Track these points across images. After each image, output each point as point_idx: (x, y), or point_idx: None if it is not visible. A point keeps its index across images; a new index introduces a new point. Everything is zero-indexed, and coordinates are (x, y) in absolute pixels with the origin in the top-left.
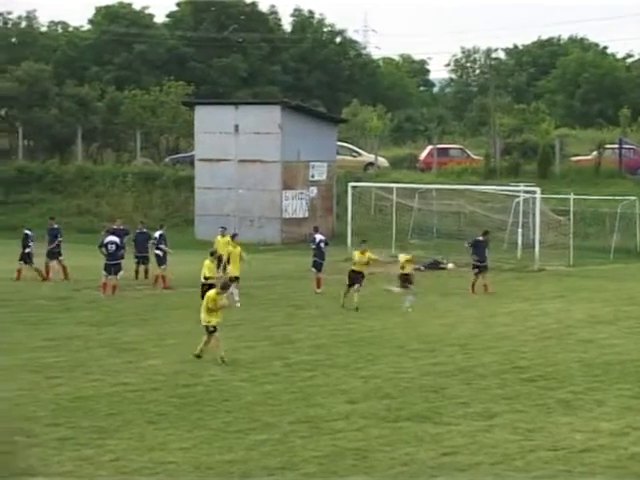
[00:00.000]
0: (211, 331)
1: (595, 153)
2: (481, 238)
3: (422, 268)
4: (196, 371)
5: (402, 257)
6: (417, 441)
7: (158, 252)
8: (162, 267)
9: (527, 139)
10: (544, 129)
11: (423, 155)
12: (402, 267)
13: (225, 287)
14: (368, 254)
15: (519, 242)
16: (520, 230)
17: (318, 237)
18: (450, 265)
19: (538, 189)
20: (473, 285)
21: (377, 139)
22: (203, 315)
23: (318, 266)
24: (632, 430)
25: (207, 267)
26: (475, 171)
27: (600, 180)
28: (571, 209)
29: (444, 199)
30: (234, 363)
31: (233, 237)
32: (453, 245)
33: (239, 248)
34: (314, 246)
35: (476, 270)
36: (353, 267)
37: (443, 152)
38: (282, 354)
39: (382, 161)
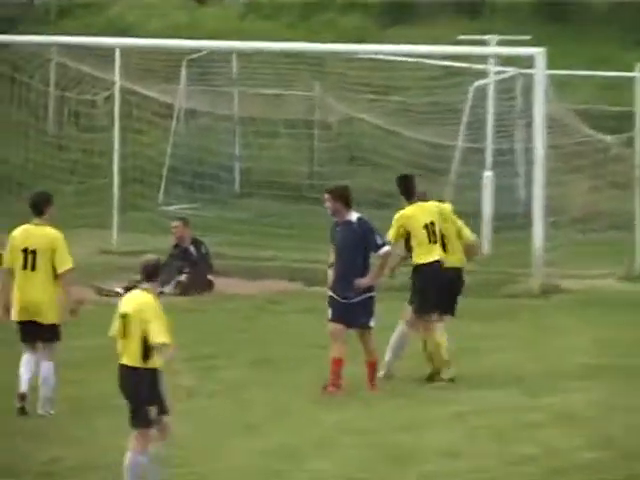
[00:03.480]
0: None
1: None
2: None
3: (120, 292)
4: None
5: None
6: None
7: None
8: None
9: None
10: None
11: None
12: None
13: None
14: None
15: (486, 212)
16: (489, 175)
17: None
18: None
19: (540, 51)
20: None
21: None
22: None
23: None
24: None
25: None
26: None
27: None
28: None
29: (261, 84)
30: None
31: None
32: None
33: None
34: None
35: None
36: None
37: None
38: None
39: None
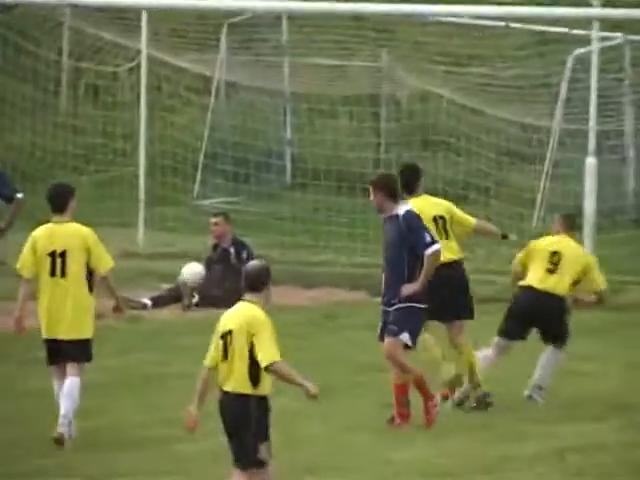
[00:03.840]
0: None
1: None
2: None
3: (148, 304)
4: None
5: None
6: None
7: None
8: None
9: None
10: None
11: None
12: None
13: None
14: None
15: (588, 206)
16: (591, 162)
17: None
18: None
19: None
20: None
21: None
22: None
23: None
24: None
25: None
26: None
27: None
28: None
29: (316, 53)
30: None
31: None
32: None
33: None
34: None
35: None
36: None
37: None
38: None
39: None
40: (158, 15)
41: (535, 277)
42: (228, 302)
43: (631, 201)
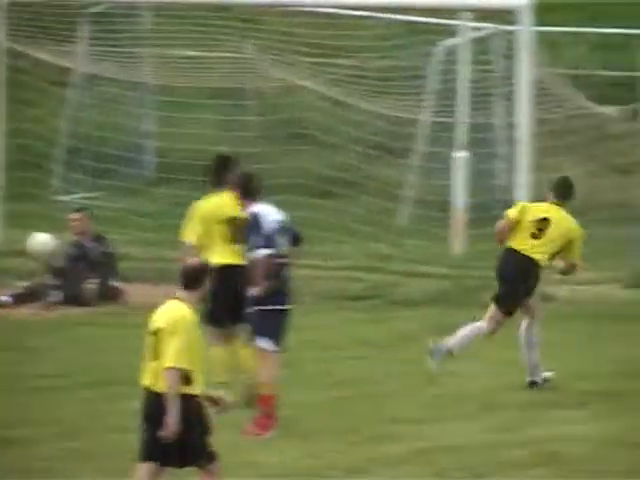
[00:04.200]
0: None
1: None
2: None
3: (8, 300)
4: None
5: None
6: None
7: None
8: None
9: None
10: None
11: None
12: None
13: None
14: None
15: (458, 201)
16: (461, 156)
17: None
18: None
19: (525, 3)
20: None
21: None
22: None
23: None
24: None
25: None
26: None
27: None
28: None
29: (180, 44)
30: None
31: None
32: None
33: None
34: None
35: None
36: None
37: None
38: None
39: None
40: (16, 4)
41: (517, 240)
42: (94, 299)
43: (502, 197)
